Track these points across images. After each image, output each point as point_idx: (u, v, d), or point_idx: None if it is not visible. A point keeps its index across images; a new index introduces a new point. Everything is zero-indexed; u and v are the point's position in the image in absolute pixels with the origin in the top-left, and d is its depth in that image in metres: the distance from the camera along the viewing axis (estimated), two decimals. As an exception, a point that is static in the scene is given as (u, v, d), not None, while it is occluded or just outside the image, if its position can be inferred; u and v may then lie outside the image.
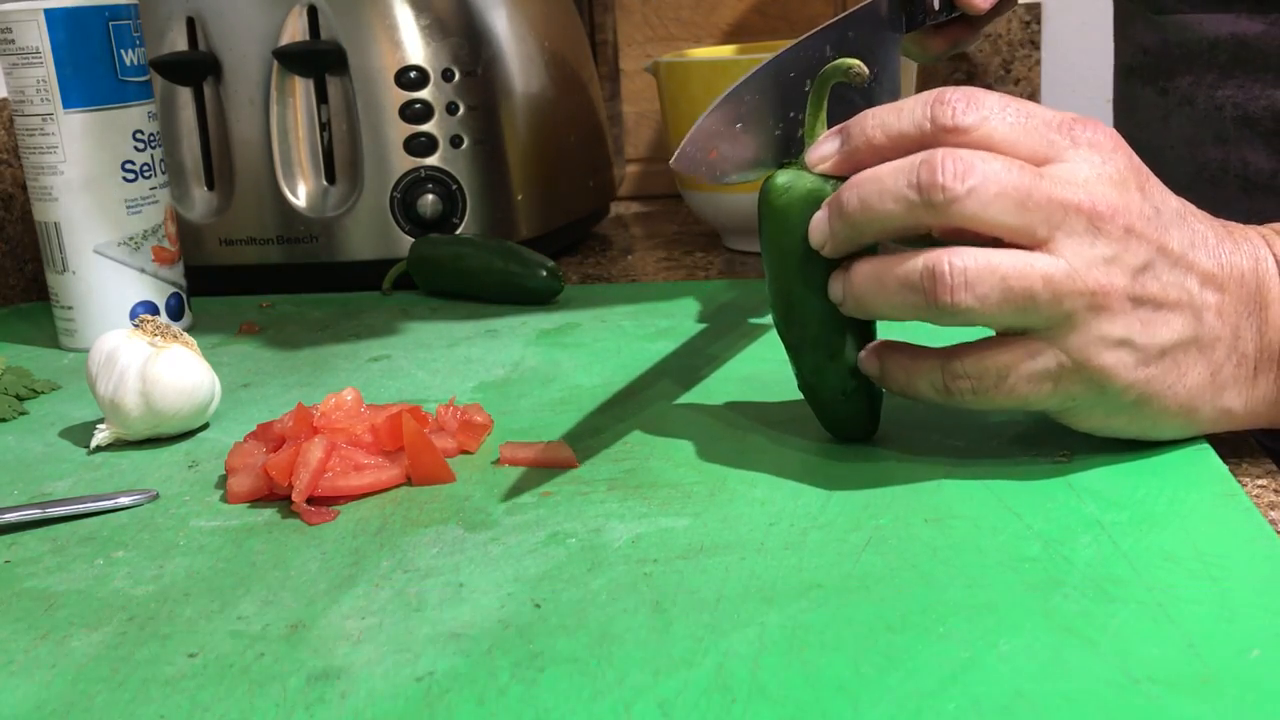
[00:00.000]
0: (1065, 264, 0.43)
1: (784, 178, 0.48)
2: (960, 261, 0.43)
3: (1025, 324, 0.44)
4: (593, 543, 0.45)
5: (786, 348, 0.51)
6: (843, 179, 0.46)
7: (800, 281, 0.48)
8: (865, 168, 0.45)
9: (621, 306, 0.78)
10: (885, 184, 0.44)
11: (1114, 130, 0.45)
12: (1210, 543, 0.41)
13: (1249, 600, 0.37)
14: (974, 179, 0.42)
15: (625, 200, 1.22)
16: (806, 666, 0.36)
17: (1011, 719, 0.33)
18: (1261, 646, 0.35)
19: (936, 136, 0.44)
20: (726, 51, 1.03)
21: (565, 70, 0.96)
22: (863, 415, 0.51)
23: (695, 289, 0.82)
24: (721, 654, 0.37)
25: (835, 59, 0.48)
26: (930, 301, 0.43)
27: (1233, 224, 0.48)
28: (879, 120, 0.46)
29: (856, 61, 0.47)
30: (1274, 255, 0.47)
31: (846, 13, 0.54)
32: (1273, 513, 0.44)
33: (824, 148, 0.48)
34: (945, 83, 1.23)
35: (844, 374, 0.50)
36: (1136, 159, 0.45)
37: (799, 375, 0.51)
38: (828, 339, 0.49)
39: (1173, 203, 0.46)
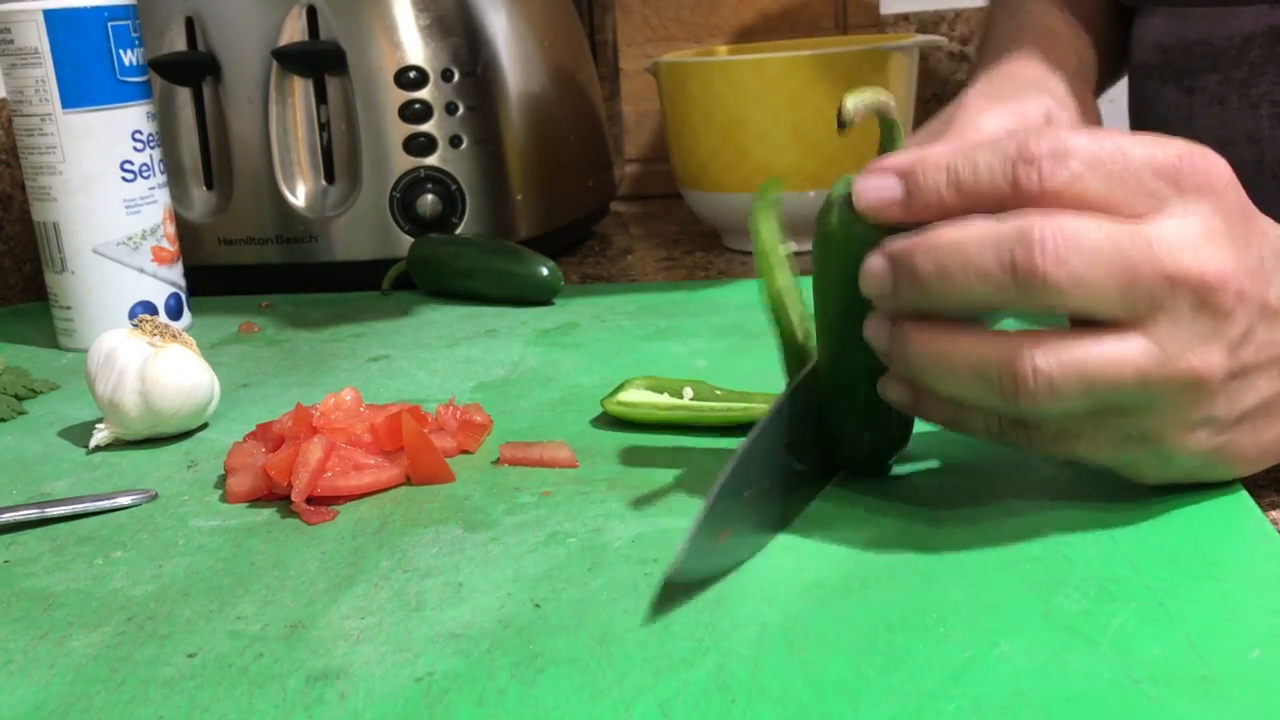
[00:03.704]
0: (1159, 351, 0.38)
1: (839, 213, 0.43)
2: (1045, 363, 0.38)
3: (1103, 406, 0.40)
4: (593, 543, 0.45)
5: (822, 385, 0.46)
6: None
7: (843, 334, 0.44)
8: (928, 221, 0.40)
9: (621, 306, 0.78)
10: (970, 256, 0.38)
11: (1221, 160, 0.40)
12: (1211, 542, 0.41)
13: (1250, 600, 0.37)
14: (1076, 260, 0.37)
15: (625, 200, 1.22)
16: (806, 666, 0.36)
17: (1012, 719, 0.33)
18: (1262, 646, 0.35)
19: (1020, 201, 0.39)
20: (726, 51, 1.03)
21: (565, 70, 0.96)
22: (879, 463, 0.49)
23: (695, 289, 0.82)
24: (721, 654, 0.36)
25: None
26: (1007, 398, 0.39)
27: None
28: (953, 176, 0.40)
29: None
30: None
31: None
32: (1273, 512, 0.44)
33: (881, 190, 0.41)
34: (945, 81, 1.23)
35: (878, 435, 0.47)
36: (1243, 195, 0.40)
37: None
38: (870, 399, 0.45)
39: (1272, 238, 0.41)
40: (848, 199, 0.42)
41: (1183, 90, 0.73)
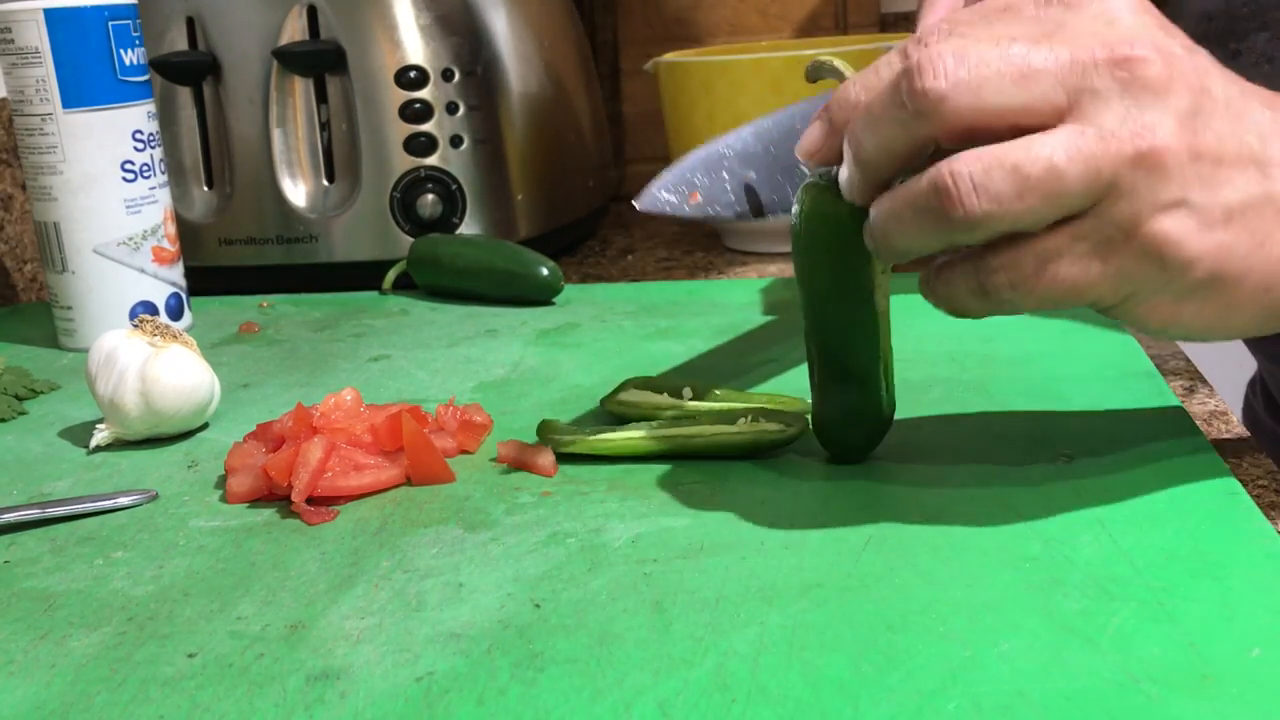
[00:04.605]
0: (1094, 130, 0.37)
1: (803, 199, 0.46)
2: (963, 167, 0.38)
3: (1068, 211, 0.38)
4: (593, 543, 0.45)
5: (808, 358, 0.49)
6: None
7: (831, 305, 0.47)
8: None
9: (621, 306, 0.78)
10: (874, 113, 0.40)
11: None
12: (1211, 542, 0.41)
13: (1249, 599, 0.37)
14: (961, 70, 0.38)
15: (625, 200, 1.22)
16: (806, 666, 0.36)
17: (1011, 719, 0.33)
18: (1262, 645, 0.35)
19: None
20: (726, 51, 1.03)
21: (565, 70, 0.96)
22: (859, 444, 0.50)
23: (695, 289, 0.82)
24: (721, 654, 0.36)
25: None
26: (946, 220, 0.38)
27: None
28: (861, 84, 0.42)
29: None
30: None
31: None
32: (1273, 512, 0.44)
33: (811, 136, 0.43)
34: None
35: (849, 397, 0.48)
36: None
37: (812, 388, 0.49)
38: (841, 361, 0.47)
39: (1202, 56, 0.40)
40: (808, 186, 0.45)
41: (1229, 55, 0.72)
